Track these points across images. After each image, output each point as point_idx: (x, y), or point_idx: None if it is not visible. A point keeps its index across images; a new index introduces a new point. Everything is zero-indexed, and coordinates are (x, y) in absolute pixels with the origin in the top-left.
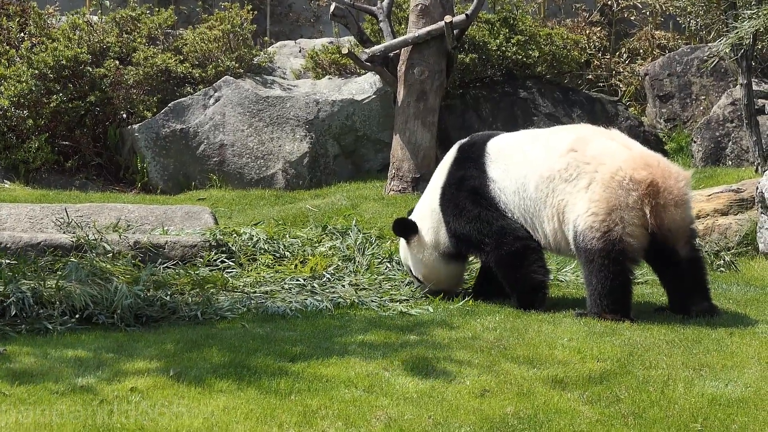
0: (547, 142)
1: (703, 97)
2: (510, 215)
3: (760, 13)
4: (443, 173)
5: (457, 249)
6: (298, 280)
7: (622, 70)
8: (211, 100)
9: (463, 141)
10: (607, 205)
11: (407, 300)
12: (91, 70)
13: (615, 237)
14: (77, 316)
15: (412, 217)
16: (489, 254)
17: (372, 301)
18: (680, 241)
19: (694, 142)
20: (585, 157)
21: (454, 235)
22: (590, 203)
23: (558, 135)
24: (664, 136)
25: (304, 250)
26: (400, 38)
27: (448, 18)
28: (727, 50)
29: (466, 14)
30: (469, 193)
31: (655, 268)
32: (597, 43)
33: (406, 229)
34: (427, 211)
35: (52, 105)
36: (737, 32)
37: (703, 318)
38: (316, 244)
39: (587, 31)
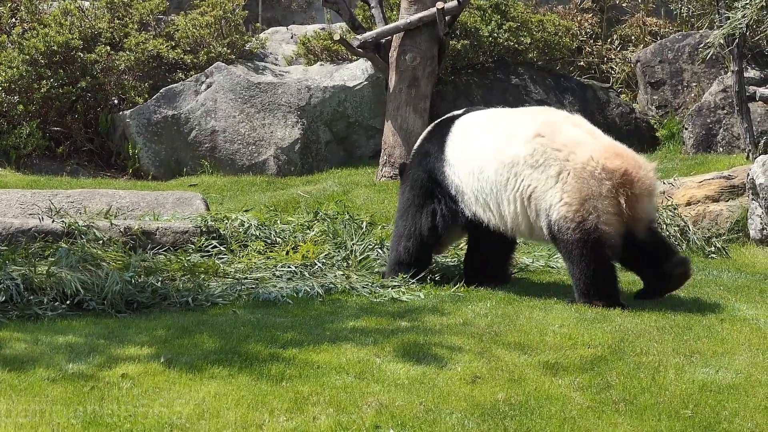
0: (510, 125)
1: (694, 84)
2: (460, 198)
3: (752, 3)
4: (418, 142)
5: None
6: (289, 267)
7: (613, 57)
8: (203, 86)
9: (446, 115)
10: (580, 195)
11: (399, 286)
12: (82, 55)
13: (590, 226)
14: (68, 302)
15: None
16: (396, 223)
17: (363, 288)
18: (644, 227)
19: (686, 128)
20: (554, 143)
21: (399, 195)
22: (563, 193)
23: (523, 118)
24: (655, 123)
25: (296, 237)
26: (392, 24)
27: (440, 4)
28: (722, 41)
29: (458, 0)
30: (424, 173)
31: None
32: (588, 30)
33: (401, 173)
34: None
35: (43, 91)
36: (731, 23)
37: (682, 271)
38: (308, 231)
39: (579, 18)
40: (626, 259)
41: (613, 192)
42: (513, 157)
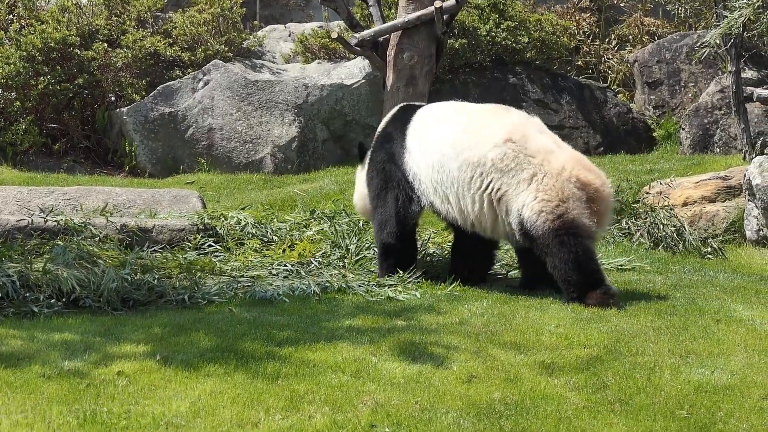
0: (477, 124)
1: (691, 84)
2: (417, 185)
3: (749, 2)
4: (381, 124)
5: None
6: (285, 265)
7: (611, 57)
8: (200, 84)
9: (404, 103)
10: (560, 193)
11: (395, 285)
12: (79, 52)
13: (570, 218)
14: (64, 299)
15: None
16: (372, 216)
17: (359, 286)
18: None
19: (683, 129)
20: (527, 149)
21: (366, 180)
22: (538, 192)
23: (491, 120)
24: (652, 123)
25: (292, 235)
26: (390, 23)
27: (438, 3)
28: (718, 41)
29: None
30: (386, 155)
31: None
32: (586, 30)
33: (360, 153)
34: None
35: (40, 87)
36: (727, 22)
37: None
38: (304, 229)
39: (577, 17)
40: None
41: (586, 201)
42: (480, 157)
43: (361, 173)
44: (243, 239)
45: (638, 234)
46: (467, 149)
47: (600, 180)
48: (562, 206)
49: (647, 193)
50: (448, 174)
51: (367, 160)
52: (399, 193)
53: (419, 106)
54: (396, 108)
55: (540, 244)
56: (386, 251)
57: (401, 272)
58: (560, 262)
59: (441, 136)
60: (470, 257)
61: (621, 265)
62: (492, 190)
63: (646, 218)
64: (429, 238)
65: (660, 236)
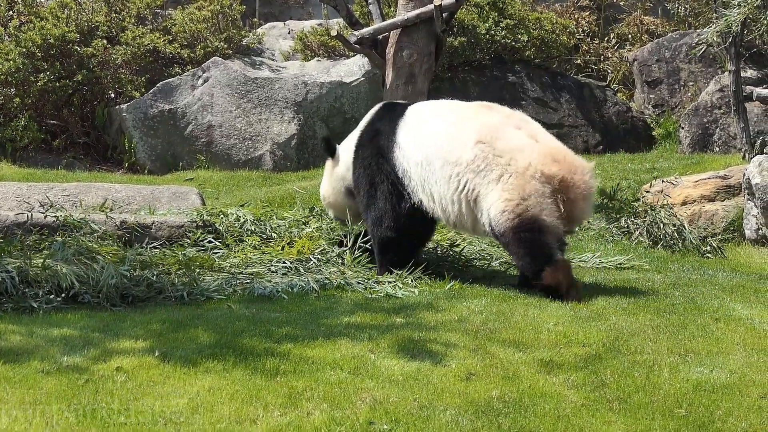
0: (456, 125)
1: (691, 84)
2: (407, 181)
3: (748, 1)
4: (366, 120)
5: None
6: (284, 262)
7: (610, 56)
8: (200, 81)
9: (388, 101)
10: (522, 191)
11: (394, 282)
12: (79, 49)
13: (530, 215)
14: (63, 295)
15: (340, 145)
16: (365, 215)
17: (358, 284)
18: (573, 229)
19: (682, 128)
20: (496, 150)
21: (353, 180)
22: (503, 192)
23: (467, 121)
24: (652, 122)
25: (291, 232)
26: (390, 21)
27: (437, 1)
28: (715, 38)
29: None
30: (375, 150)
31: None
32: (586, 28)
33: (328, 147)
34: (350, 146)
35: (39, 84)
36: (726, 19)
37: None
38: (303, 226)
39: (576, 16)
40: None
41: (552, 195)
42: (457, 158)
43: (332, 168)
44: (242, 236)
45: (637, 233)
46: (447, 149)
47: (566, 168)
48: (523, 204)
49: (647, 192)
50: (432, 172)
51: (346, 157)
52: (391, 187)
53: (408, 104)
54: (379, 105)
55: (503, 239)
56: (385, 246)
57: (401, 268)
58: (522, 252)
59: (430, 133)
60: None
61: (620, 264)
62: (468, 190)
63: (646, 217)
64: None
65: (659, 235)
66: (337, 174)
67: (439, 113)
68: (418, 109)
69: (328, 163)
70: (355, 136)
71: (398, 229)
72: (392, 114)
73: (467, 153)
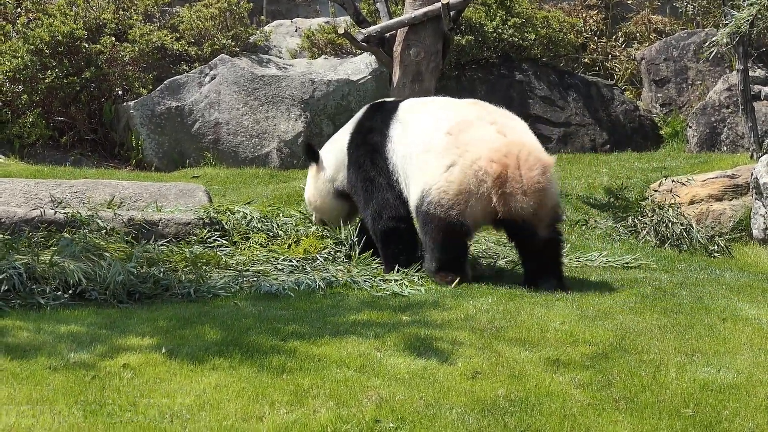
0: (434, 119)
1: (699, 82)
2: (396, 176)
3: (757, 2)
4: (355, 120)
5: (348, 191)
6: (291, 261)
7: (618, 54)
8: (207, 78)
9: (378, 101)
10: (458, 186)
11: (400, 280)
12: (87, 46)
13: (456, 213)
14: (70, 291)
15: (322, 149)
16: (364, 213)
17: (365, 282)
18: (541, 224)
19: (690, 127)
20: (457, 141)
21: (349, 180)
22: (446, 182)
23: (445, 114)
24: (659, 121)
25: (298, 230)
26: (397, 19)
27: None
28: (726, 40)
29: None
30: (369, 147)
31: (515, 244)
32: (593, 27)
33: (310, 153)
34: (337, 147)
35: (47, 80)
36: (735, 21)
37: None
38: (310, 224)
39: (584, 15)
40: (521, 252)
41: (487, 192)
42: (429, 149)
43: (317, 172)
44: (249, 234)
45: (645, 232)
46: (425, 141)
47: (511, 163)
48: (454, 199)
49: (655, 191)
50: (410, 164)
51: (333, 160)
52: (387, 182)
53: (399, 100)
54: (367, 106)
55: (421, 219)
56: (387, 238)
57: (406, 261)
58: (431, 243)
59: (415, 128)
60: None
61: (627, 263)
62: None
63: (653, 216)
64: None
65: (667, 234)
66: (323, 177)
67: (427, 109)
68: (409, 105)
69: (312, 168)
70: (344, 138)
71: (398, 219)
72: (384, 111)
73: (437, 143)
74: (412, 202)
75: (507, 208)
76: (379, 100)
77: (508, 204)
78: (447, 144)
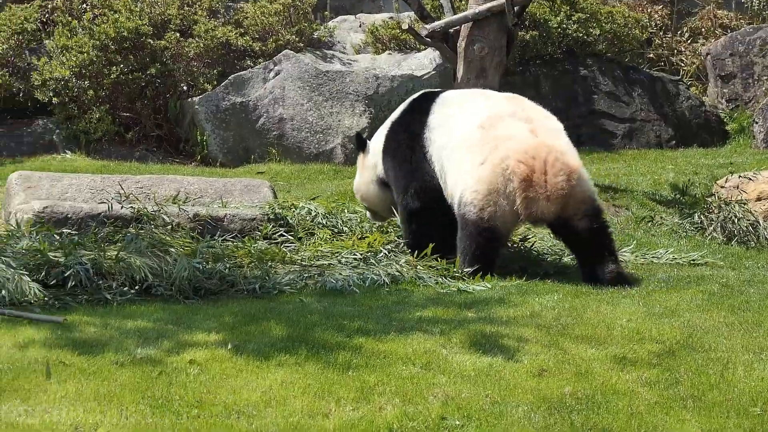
0: (471, 112)
1: (765, 78)
2: (432, 165)
3: None
4: (398, 111)
5: (387, 180)
6: (355, 255)
7: (683, 49)
8: (271, 74)
9: (423, 92)
10: (488, 186)
11: (465, 277)
12: (152, 42)
13: (487, 215)
14: (137, 287)
15: (371, 140)
16: (396, 195)
17: (430, 278)
18: (574, 218)
19: (756, 122)
20: (488, 136)
21: (384, 163)
22: (478, 181)
23: (479, 108)
24: (725, 117)
25: (362, 226)
26: (461, 14)
27: None
28: None
29: None
30: (407, 135)
31: (563, 240)
32: (658, 22)
33: (359, 142)
34: (381, 138)
35: (112, 76)
36: None
37: (612, 285)
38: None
39: (649, 10)
40: (569, 247)
41: (513, 192)
42: (462, 141)
43: (363, 161)
44: (313, 229)
45: (711, 228)
46: (458, 133)
47: (538, 167)
48: (485, 199)
49: (721, 187)
50: (446, 155)
51: (376, 147)
52: (421, 166)
53: (441, 91)
54: (417, 94)
55: (460, 221)
56: (412, 218)
57: (426, 242)
58: (463, 247)
59: (452, 120)
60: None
61: (694, 260)
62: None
63: (720, 212)
64: None
65: (734, 231)
66: (368, 165)
67: (464, 100)
68: (449, 95)
69: (360, 156)
70: (387, 126)
71: (431, 200)
72: (425, 100)
73: (470, 137)
74: (453, 199)
75: (528, 211)
76: (424, 90)
77: (529, 208)
78: (479, 138)
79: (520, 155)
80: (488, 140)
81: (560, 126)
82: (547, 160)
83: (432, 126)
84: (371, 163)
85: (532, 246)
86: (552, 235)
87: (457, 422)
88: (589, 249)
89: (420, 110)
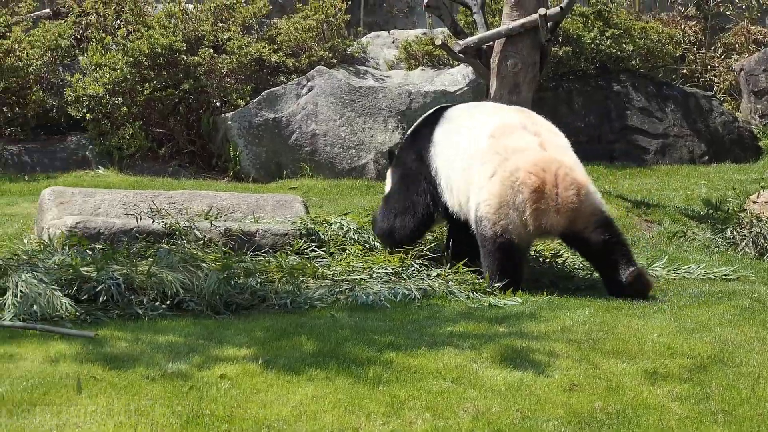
0: (481, 123)
1: None
2: (437, 179)
3: None
4: (413, 127)
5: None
6: (387, 270)
7: (717, 65)
8: (304, 90)
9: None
10: (499, 199)
11: (496, 292)
12: (185, 58)
13: (500, 229)
14: (168, 302)
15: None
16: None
17: (461, 292)
18: (585, 230)
19: None
20: (498, 146)
21: (391, 177)
22: (489, 194)
23: (489, 119)
24: (758, 132)
25: None
26: (494, 30)
27: (542, 10)
28: None
29: (561, 7)
30: (414, 150)
31: (581, 254)
32: (692, 38)
33: (391, 158)
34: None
35: (146, 93)
36: None
37: (633, 286)
38: None
39: (682, 26)
40: (587, 258)
41: (523, 204)
42: (473, 151)
43: (391, 176)
44: (345, 245)
45: (743, 244)
46: (466, 146)
47: (549, 179)
48: (498, 212)
49: (754, 202)
50: (453, 167)
51: (395, 167)
52: (423, 185)
53: (452, 105)
54: (425, 115)
55: (480, 239)
56: (389, 235)
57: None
58: (488, 262)
59: (456, 134)
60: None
61: (726, 275)
62: (471, 180)
63: (752, 228)
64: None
65: (766, 246)
66: (392, 177)
67: (472, 112)
68: (457, 108)
69: (389, 171)
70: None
71: (420, 223)
72: (434, 114)
73: (479, 147)
74: (469, 215)
75: (537, 223)
76: (443, 105)
77: (539, 220)
78: (488, 148)
79: (530, 167)
80: (497, 150)
81: (567, 142)
82: (558, 174)
83: (437, 139)
84: (395, 176)
85: (564, 262)
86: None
87: None
88: (605, 259)
89: (428, 124)
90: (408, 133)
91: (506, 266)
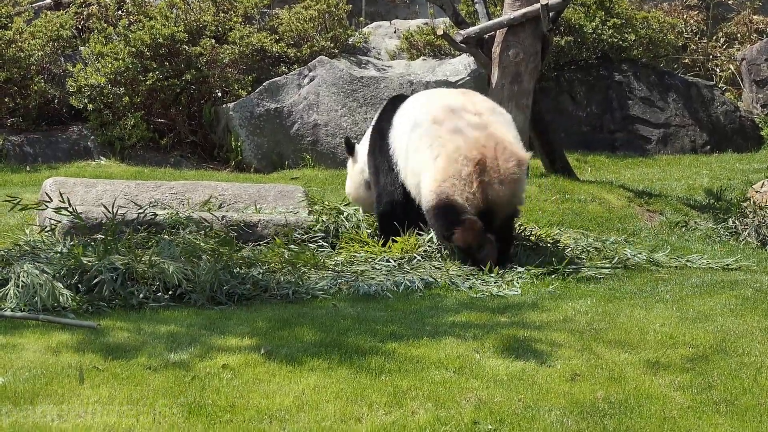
0: (425, 107)
1: None
2: (395, 160)
3: None
4: (378, 115)
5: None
6: (388, 261)
7: (718, 55)
8: (306, 80)
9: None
10: (444, 173)
11: (498, 282)
12: (187, 48)
13: (444, 196)
14: (169, 292)
15: (359, 143)
16: (373, 197)
17: (463, 283)
18: (499, 216)
19: None
20: (441, 130)
21: (368, 168)
22: (435, 171)
23: (434, 104)
24: (760, 122)
25: None
26: (496, 20)
27: (543, 0)
28: None
29: None
30: (378, 136)
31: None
32: (694, 27)
33: (348, 146)
34: (366, 141)
35: (148, 83)
36: None
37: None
38: None
39: (684, 15)
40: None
41: (470, 177)
42: (418, 137)
43: (353, 165)
44: (347, 235)
45: (745, 233)
46: (412, 129)
47: (489, 153)
48: (443, 185)
49: (756, 192)
50: (405, 148)
51: (361, 151)
52: (388, 166)
53: (407, 96)
54: (388, 99)
55: (425, 212)
56: (383, 221)
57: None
58: (434, 229)
59: (410, 115)
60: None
61: (727, 265)
62: (417, 164)
63: (754, 217)
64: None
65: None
66: (356, 169)
67: (422, 99)
68: (414, 96)
69: (350, 161)
70: (369, 130)
71: (393, 204)
72: (394, 102)
73: (424, 131)
74: (421, 201)
75: (484, 195)
76: (399, 94)
77: (485, 192)
78: (433, 132)
79: (470, 145)
80: (440, 133)
81: (509, 120)
82: (497, 149)
83: (395, 125)
84: (359, 167)
85: (565, 249)
86: (586, 236)
87: (490, 426)
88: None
89: (389, 111)
90: (373, 121)
91: (452, 219)
